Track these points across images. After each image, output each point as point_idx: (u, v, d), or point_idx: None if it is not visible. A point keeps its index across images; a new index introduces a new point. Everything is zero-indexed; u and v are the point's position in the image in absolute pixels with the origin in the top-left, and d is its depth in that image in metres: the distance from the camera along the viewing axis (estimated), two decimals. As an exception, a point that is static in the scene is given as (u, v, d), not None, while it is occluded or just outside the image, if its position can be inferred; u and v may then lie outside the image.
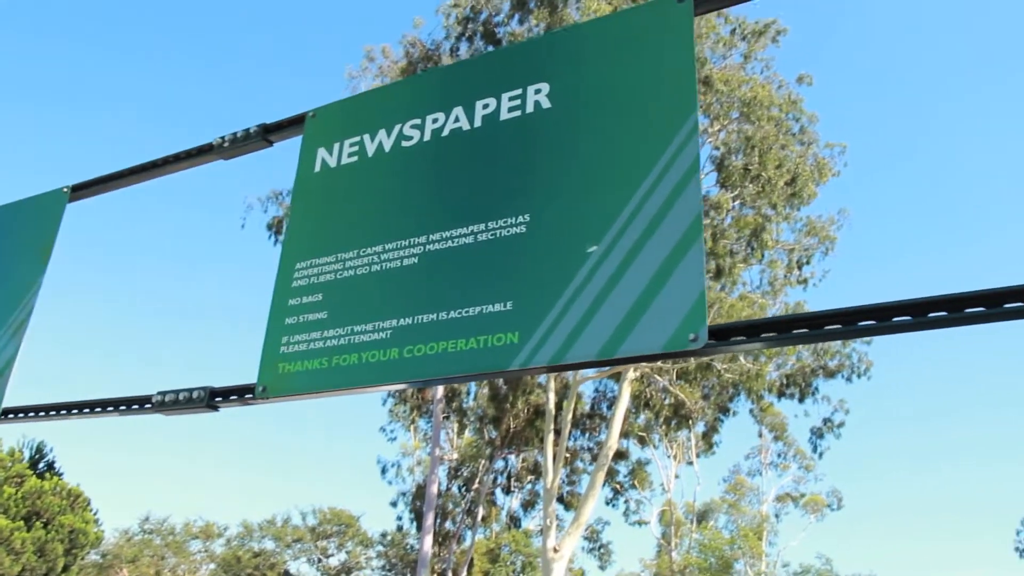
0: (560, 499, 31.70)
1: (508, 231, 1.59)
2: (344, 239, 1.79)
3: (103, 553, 32.43)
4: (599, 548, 34.15)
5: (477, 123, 1.75)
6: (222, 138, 2.14)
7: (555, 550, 21.29)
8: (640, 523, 33.53)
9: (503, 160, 1.68)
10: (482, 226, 1.63)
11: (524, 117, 1.70)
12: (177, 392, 1.84)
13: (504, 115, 1.73)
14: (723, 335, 1.35)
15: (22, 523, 23.82)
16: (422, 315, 1.60)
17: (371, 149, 1.87)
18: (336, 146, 1.93)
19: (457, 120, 1.79)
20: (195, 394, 1.80)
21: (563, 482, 32.35)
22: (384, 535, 37.66)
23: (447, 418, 33.61)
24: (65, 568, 24.25)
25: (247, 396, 1.76)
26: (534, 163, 1.64)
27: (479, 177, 1.69)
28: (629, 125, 1.55)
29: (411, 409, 36.07)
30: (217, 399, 1.80)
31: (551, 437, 26.31)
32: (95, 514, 25.15)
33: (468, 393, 36.24)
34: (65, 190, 2.45)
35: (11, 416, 2.18)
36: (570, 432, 27.54)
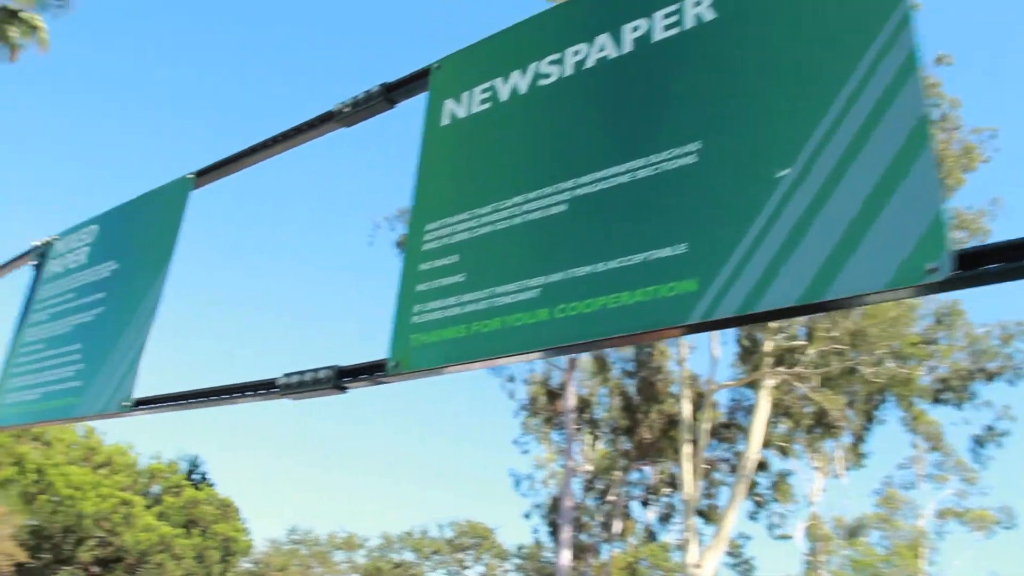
0: (699, 512, 30.68)
1: (674, 163, 1.32)
2: (479, 193, 1.57)
3: (255, 561, 33.96)
4: (741, 563, 32.78)
5: (627, 48, 1.50)
6: (343, 103, 1.99)
7: (697, 565, 20.53)
8: (784, 537, 31.93)
9: (661, 85, 1.42)
10: (641, 161, 1.37)
11: (683, 34, 1.43)
12: (303, 373, 1.68)
13: (658, 35, 1.47)
14: (975, 261, 1.03)
15: (182, 530, 25.25)
16: (575, 268, 1.35)
17: (504, 93, 1.65)
18: (465, 95, 1.73)
19: (603, 49, 1.54)
20: (322, 374, 1.62)
21: (702, 494, 31.27)
22: (520, 548, 37.65)
23: (579, 429, 33.27)
24: (221, 574, 25.50)
25: (377, 374, 1.57)
26: (700, 84, 1.37)
27: (634, 108, 1.43)
28: (818, 20, 1.26)
29: (543, 421, 36.00)
30: (345, 379, 1.62)
31: (687, 447, 25.52)
32: (244, 523, 26.34)
33: (599, 404, 35.82)
34: (190, 176, 2.37)
35: (144, 407, 2.08)
36: (707, 442, 26.61)
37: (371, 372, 1.58)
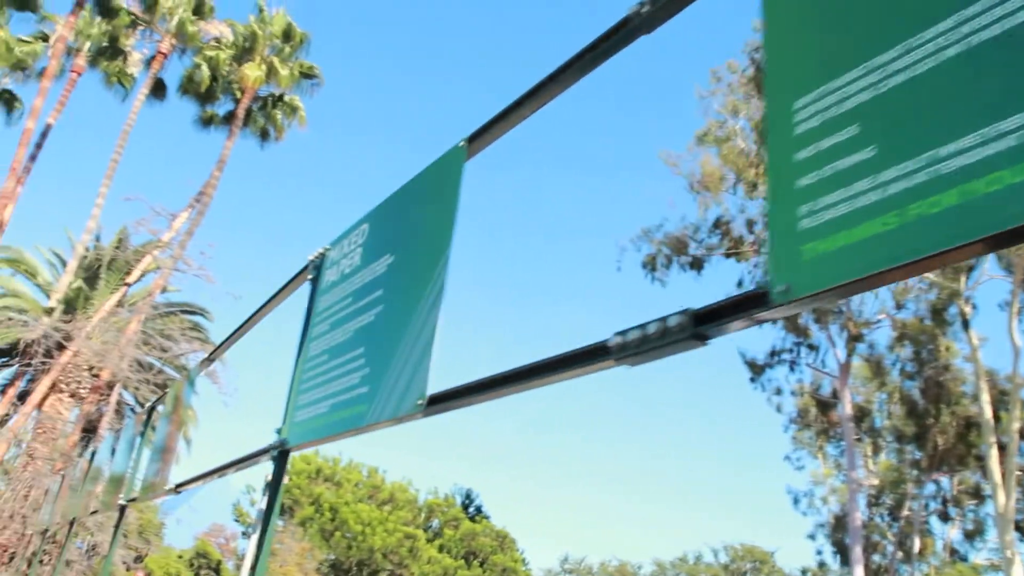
0: (1017, 526, 26.70)
1: None
2: (875, 35, 1.07)
3: (534, 592, 34.48)
4: (1080, 584, 28.04)
5: None
6: (638, 4, 1.58)
7: (1027, 587, 17.72)
8: None
9: None
10: None
11: None
12: (644, 327, 1.25)
13: None
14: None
15: (463, 562, 26.22)
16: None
17: None
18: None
19: None
20: (673, 322, 1.19)
21: (1017, 506, 27.22)
22: (804, 571, 35.09)
23: (859, 440, 30.51)
24: (504, 605, 26.09)
25: (754, 310, 1.11)
26: None
27: None
28: None
29: (817, 434, 33.52)
30: (705, 325, 1.17)
31: (995, 453, 22.35)
32: (522, 553, 26.80)
33: (879, 411, 32.73)
34: (461, 144, 2.07)
35: (441, 403, 1.78)
36: (1018, 446, 23.13)
37: (743, 308, 1.12)
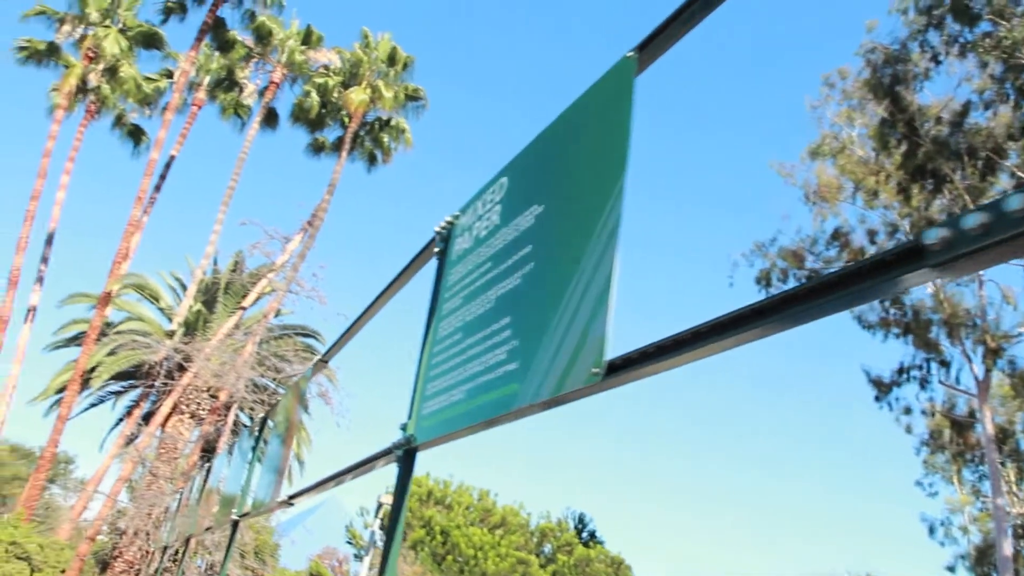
0: None
1: None
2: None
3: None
4: None
5: None
6: None
7: None
8: None
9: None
10: None
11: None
12: (996, 204, 0.77)
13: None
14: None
15: (577, 589, 25.47)
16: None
17: None
18: None
19: None
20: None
21: None
22: (945, 606, 32.56)
23: (1001, 464, 28.17)
24: (619, 633, 25.17)
25: None
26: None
27: None
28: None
29: (952, 457, 31.18)
30: None
31: None
32: (638, 580, 25.83)
33: (1022, 432, 30.20)
34: (630, 55, 1.63)
35: (624, 370, 1.34)
36: None
37: None
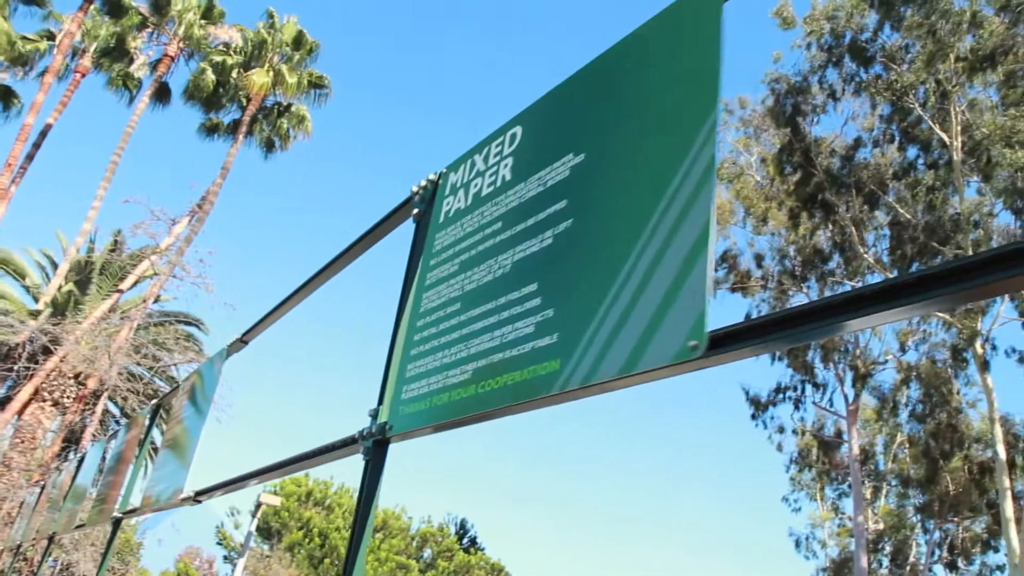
0: (1029, 578, 25.92)
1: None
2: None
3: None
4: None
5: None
6: None
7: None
8: None
9: None
10: None
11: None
12: None
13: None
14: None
15: (456, 596, 25.11)
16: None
17: None
18: None
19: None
20: None
21: (1028, 556, 26.46)
22: (805, 617, 34.12)
23: (862, 483, 29.72)
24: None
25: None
26: None
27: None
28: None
29: (817, 475, 32.68)
30: None
31: (1009, 501, 21.65)
32: (518, 588, 25.73)
33: (883, 453, 32.00)
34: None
35: (730, 345, 1.06)
36: (1033, 493, 22.45)
37: None
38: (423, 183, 2.12)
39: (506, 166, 1.79)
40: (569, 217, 1.49)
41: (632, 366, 1.18)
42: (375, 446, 1.84)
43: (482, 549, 27.81)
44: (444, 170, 2.07)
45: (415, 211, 2.12)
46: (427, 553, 26.78)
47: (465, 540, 28.37)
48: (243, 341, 3.48)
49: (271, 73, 22.67)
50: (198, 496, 3.26)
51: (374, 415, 1.88)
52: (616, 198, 1.38)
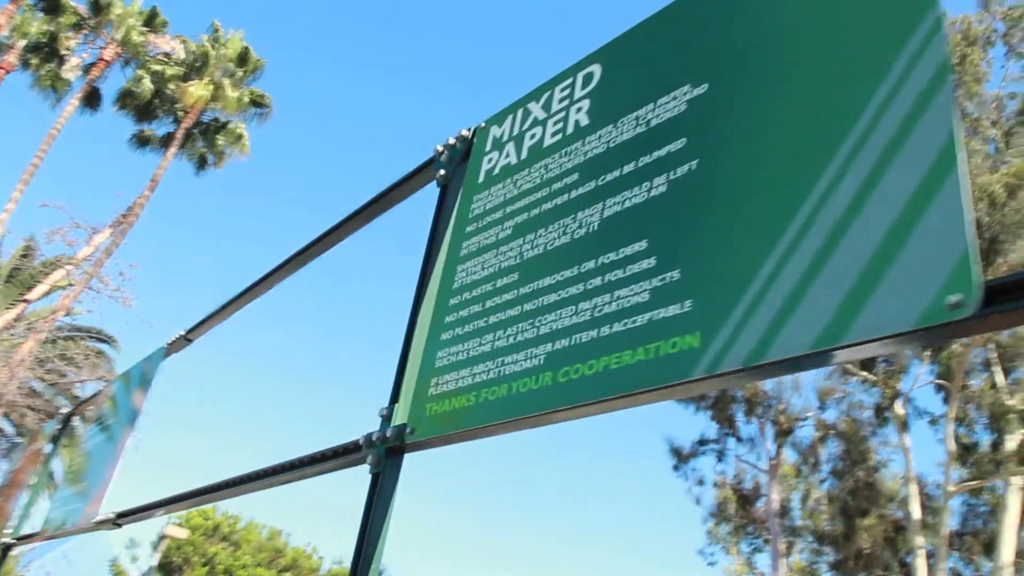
0: (939, 638, 26.33)
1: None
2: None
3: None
4: None
5: None
6: None
7: None
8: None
9: None
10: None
11: None
12: None
13: None
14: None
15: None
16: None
17: None
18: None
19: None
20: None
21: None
22: (717, 672, 33.96)
23: (768, 540, 29.94)
24: None
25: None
26: None
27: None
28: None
29: (734, 529, 32.82)
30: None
31: (923, 560, 22.02)
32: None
33: (799, 509, 32.38)
34: None
35: (1000, 301, 0.69)
36: (946, 553, 22.89)
37: None
38: (451, 141, 1.75)
39: (579, 110, 1.44)
40: (692, 158, 1.15)
41: (837, 335, 0.83)
42: (388, 455, 1.43)
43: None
44: (482, 124, 1.71)
45: (440, 173, 1.74)
46: (338, 596, 25.62)
47: (380, 583, 27.25)
48: (187, 339, 3.00)
49: (212, 87, 21.93)
50: (120, 519, 2.74)
51: (387, 416, 1.48)
52: (775, 127, 1.04)
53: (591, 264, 1.21)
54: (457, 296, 1.48)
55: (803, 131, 1.00)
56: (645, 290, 1.09)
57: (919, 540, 22.43)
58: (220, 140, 23.31)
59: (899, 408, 23.17)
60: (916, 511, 22.57)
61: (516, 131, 1.59)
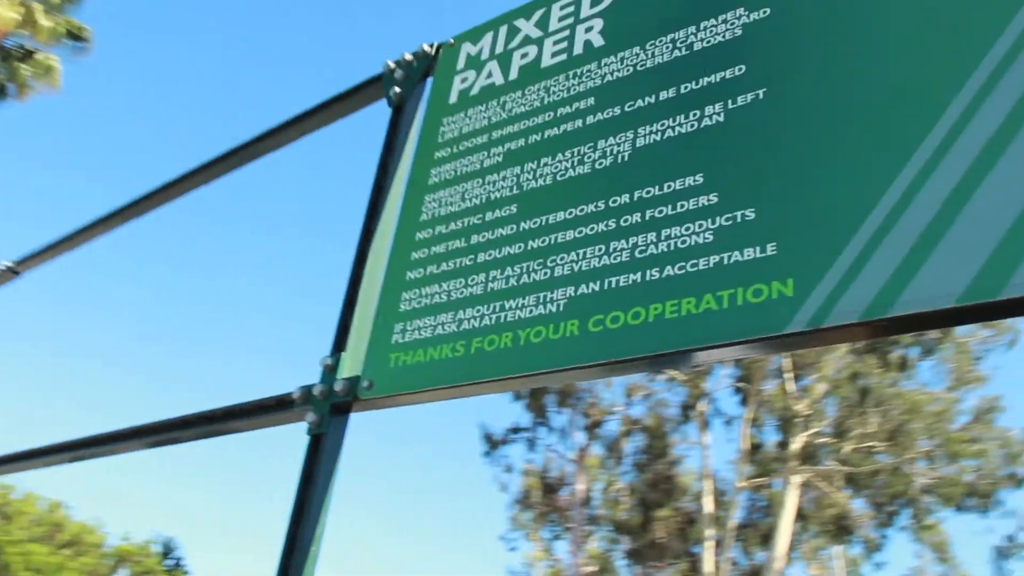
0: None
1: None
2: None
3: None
4: None
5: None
6: None
7: None
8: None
9: None
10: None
11: None
12: None
13: None
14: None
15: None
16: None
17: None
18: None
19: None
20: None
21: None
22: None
23: (570, 529, 31.21)
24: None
25: None
26: None
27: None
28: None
29: (537, 516, 33.78)
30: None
31: (711, 551, 23.67)
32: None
33: (600, 498, 33.84)
34: None
35: None
36: (732, 543, 24.75)
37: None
38: (407, 57, 1.51)
39: (589, 30, 1.26)
40: (756, 87, 1.00)
41: (994, 287, 0.71)
42: (332, 412, 1.18)
43: (187, 572, 25.31)
44: (451, 40, 1.48)
45: (395, 91, 1.49)
46: (124, 574, 23.82)
47: (169, 560, 25.64)
48: (14, 271, 2.51)
49: (21, 9, 19.57)
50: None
51: (331, 367, 1.23)
52: (874, 50, 0.91)
53: (624, 198, 1.03)
54: (427, 230, 1.25)
55: (924, 48, 0.88)
56: (708, 230, 0.93)
57: (708, 532, 24.05)
58: (25, 70, 20.88)
59: (701, 407, 24.75)
60: (709, 504, 24.17)
61: (500, 49, 1.38)
